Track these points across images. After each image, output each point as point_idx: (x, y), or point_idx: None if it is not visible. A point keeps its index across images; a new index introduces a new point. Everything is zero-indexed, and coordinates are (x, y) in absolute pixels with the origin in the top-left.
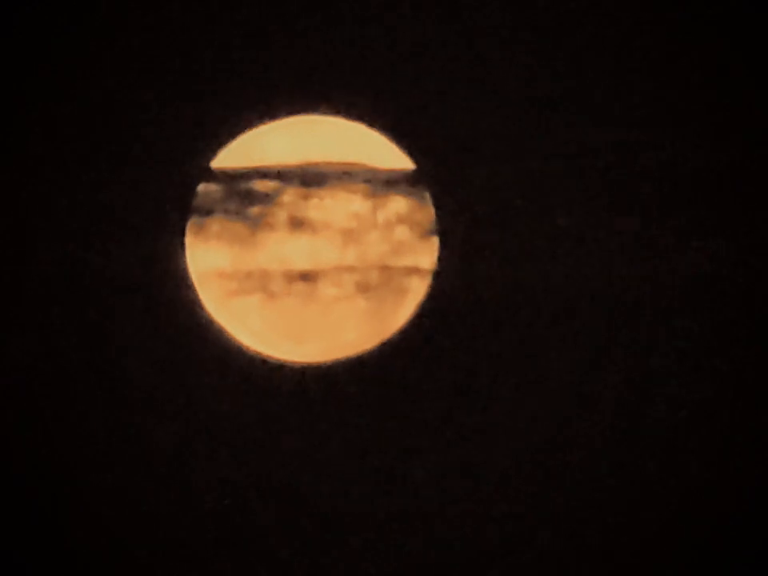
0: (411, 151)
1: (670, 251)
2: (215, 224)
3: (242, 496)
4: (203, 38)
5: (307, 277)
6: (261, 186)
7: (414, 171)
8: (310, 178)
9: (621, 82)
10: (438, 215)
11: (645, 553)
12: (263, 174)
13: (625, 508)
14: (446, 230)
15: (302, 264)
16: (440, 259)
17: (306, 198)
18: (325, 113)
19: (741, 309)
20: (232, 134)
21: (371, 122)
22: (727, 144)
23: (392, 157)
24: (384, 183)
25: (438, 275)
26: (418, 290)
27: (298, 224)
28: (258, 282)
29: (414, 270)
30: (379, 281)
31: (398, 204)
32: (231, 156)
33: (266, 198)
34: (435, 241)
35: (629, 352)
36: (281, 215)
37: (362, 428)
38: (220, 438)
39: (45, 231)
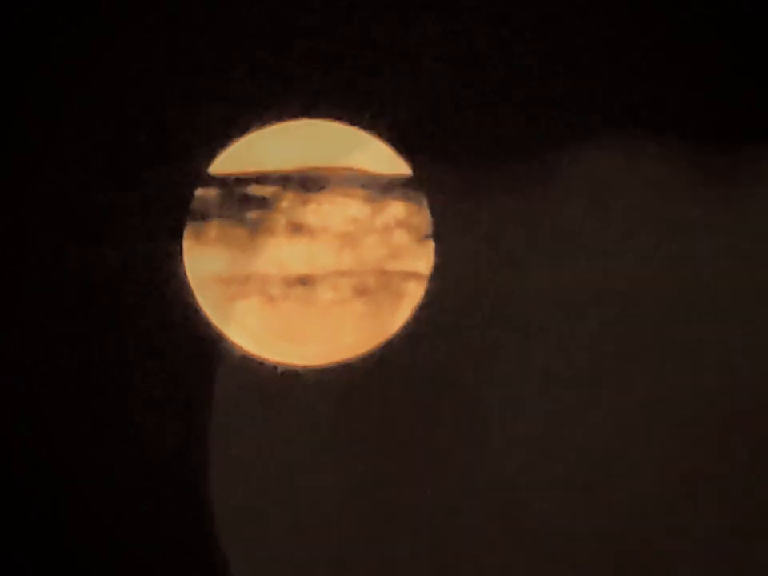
0: (408, 156)
1: (671, 254)
2: (214, 228)
3: (240, 498)
4: (201, 42)
5: (305, 281)
6: (259, 190)
7: (412, 176)
8: (309, 183)
9: (621, 82)
10: (434, 220)
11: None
12: (261, 178)
13: (625, 515)
14: (442, 235)
15: (300, 268)
16: (436, 263)
17: (304, 202)
18: (323, 117)
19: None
20: (229, 138)
21: (369, 127)
22: (727, 144)
23: (390, 162)
24: (382, 188)
25: (434, 279)
26: (415, 294)
27: (296, 229)
28: (256, 286)
29: (412, 274)
30: (377, 285)
31: (396, 209)
32: (229, 161)
33: (265, 203)
34: (433, 245)
35: (629, 357)
36: (279, 220)
37: (360, 430)
38: (218, 441)
39: (44, 232)
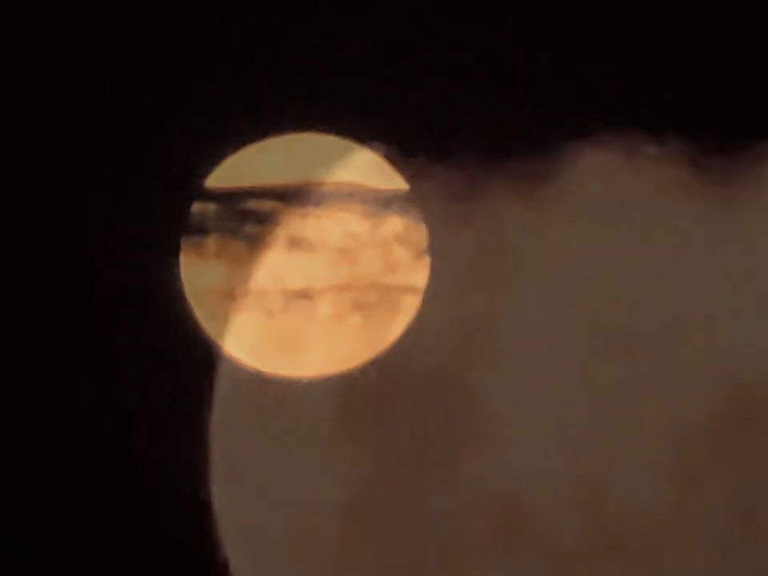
0: (405, 172)
1: (671, 254)
2: (213, 243)
3: (241, 504)
4: (198, 56)
5: (304, 295)
6: (257, 205)
7: (409, 191)
8: (307, 198)
9: (621, 82)
10: (431, 235)
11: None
12: (259, 193)
13: (625, 516)
14: (438, 250)
15: (298, 282)
16: (431, 278)
17: (302, 217)
18: (320, 131)
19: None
20: (227, 153)
21: (367, 142)
22: (727, 144)
23: (387, 177)
24: (381, 203)
25: (430, 293)
26: (411, 308)
27: (295, 243)
28: (255, 300)
29: (410, 289)
30: (375, 299)
31: (394, 224)
32: (227, 175)
33: (263, 217)
34: (429, 258)
35: (629, 358)
36: (278, 234)
37: (359, 438)
38: (218, 451)
39: (44, 245)
